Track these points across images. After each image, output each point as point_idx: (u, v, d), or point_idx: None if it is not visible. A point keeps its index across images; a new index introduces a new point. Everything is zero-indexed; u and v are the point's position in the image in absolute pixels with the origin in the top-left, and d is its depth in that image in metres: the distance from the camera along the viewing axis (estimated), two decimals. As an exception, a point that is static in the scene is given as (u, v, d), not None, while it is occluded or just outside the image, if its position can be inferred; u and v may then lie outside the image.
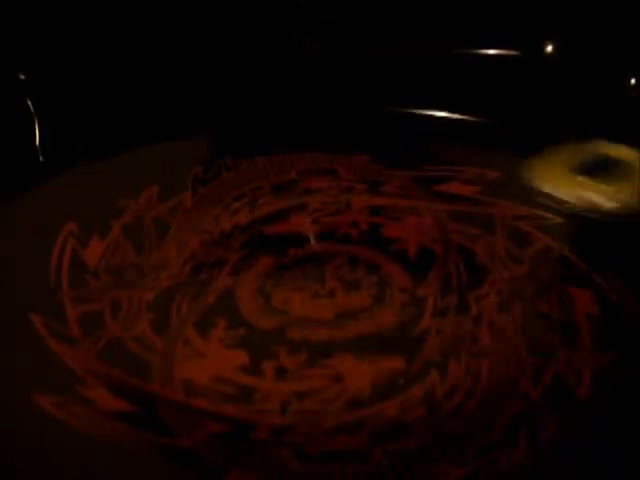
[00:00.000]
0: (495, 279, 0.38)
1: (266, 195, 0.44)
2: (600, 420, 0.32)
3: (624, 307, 0.37)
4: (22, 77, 0.50)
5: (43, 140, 0.48)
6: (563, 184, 0.37)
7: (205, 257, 0.41)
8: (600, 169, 0.38)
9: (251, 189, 0.45)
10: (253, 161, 0.46)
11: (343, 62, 0.53)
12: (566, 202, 0.38)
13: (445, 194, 0.43)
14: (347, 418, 0.33)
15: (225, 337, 0.36)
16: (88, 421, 0.33)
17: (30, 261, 0.40)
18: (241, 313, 0.38)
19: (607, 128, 0.47)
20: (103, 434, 0.32)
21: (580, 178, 0.38)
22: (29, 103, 0.49)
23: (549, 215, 0.42)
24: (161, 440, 0.32)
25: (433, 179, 0.44)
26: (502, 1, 0.50)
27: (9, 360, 0.36)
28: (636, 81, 0.48)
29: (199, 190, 0.44)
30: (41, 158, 0.48)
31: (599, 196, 0.37)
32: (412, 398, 0.33)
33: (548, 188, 0.38)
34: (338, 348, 0.36)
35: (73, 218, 0.42)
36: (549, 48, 0.50)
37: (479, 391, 0.33)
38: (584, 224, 0.40)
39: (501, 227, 0.41)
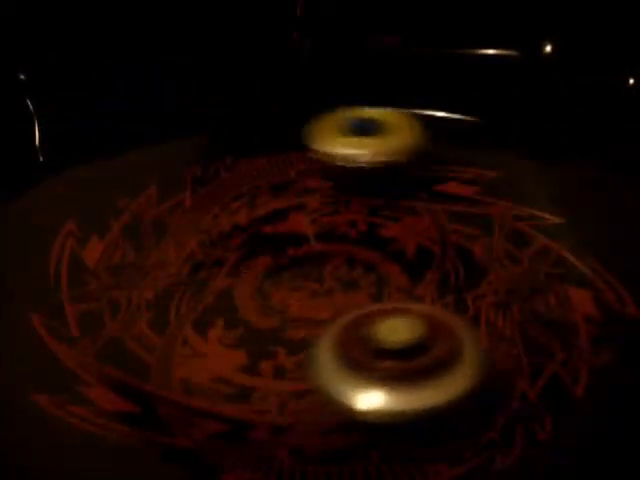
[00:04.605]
0: (493, 279, 0.38)
1: (265, 195, 0.44)
2: (597, 420, 0.32)
3: (622, 308, 0.37)
4: (22, 77, 0.50)
5: (43, 140, 0.48)
6: (332, 143, 0.43)
7: (204, 257, 0.41)
8: (364, 129, 0.44)
9: (250, 189, 0.45)
10: (252, 161, 0.46)
11: (343, 62, 0.53)
12: (334, 156, 0.43)
13: (444, 194, 0.44)
14: (345, 418, 0.33)
15: (224, 337, 0.36)
16: (88, 421, 0.33)
17: (30, 261, 0.40)
18: (240, 313, 0.38)
19: (607, 128, 0.47)
20: (102, 434, 0.32)
21: (347, 137, 0.44)
22: (29, 103, 0.49)
23: (548, 215, 0.42)
24: (160, 439, 0.32)
25: (432, 179, 0.44)
26: (501, 1, 0.50)
27: (9, 360, 0.36)
28: (635, 81, 0.48)
29: (198, 190, 0.45)
30: (41, 158, 0.48)
31: (362, 150, 0.43)
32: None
33: (320, 147, 0.44)
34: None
35: (72, 218, 0.42)
36: (548, 48, 0.50)
37: (477, 391, 0.33)
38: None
39: (500, 227, 0.41)
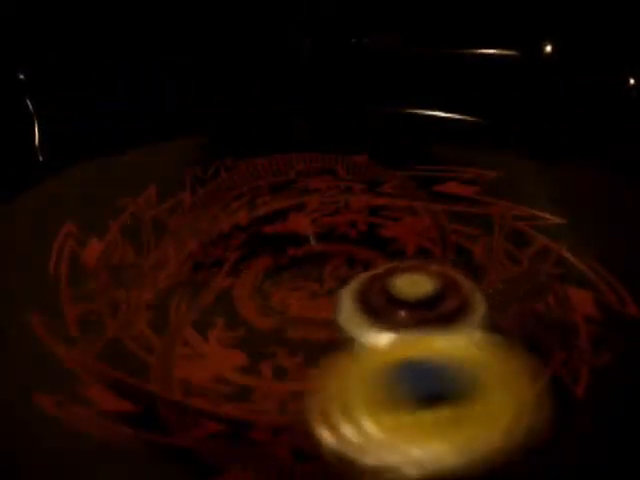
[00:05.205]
0: (493, 279, 0.38)
1: (265, 195, 0.44)
2: (597, 420, 0.32)
3: (622, 308, 0.37)
4: (22, 77, 0.50)
5: (42, 140, 0.48)
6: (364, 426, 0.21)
7: (204, 257, 0.41)
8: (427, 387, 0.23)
9: (250, 189, 0.45)
10: (252, 161, 0.46)
11: (342, 62, 0.53)
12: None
13: (444, 194, 0.44)
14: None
15: (224, 337, 0.36)
16: (88, 421, 0.33)
17: (29, 261, 0.40)
18: (240, 313, 0.38)
19: (607, 128, 0.47)
20: (103, 434, 0.32)
21: (397, 408, 0.23)
22: (29, 103, 0.49)
23: (548, 215, 0.42)
24: (160, 440, 0.32)
25: (432, 179, 0.44)
26: (501, 1, 0.50)
27: (9, 360, 0.36)
28: (636, 81, 0.48)
29: (198, 190, 0.45)
30: (40, 158, 0.48)
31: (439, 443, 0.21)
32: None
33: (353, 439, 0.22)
34: (336, 348, 0.36)
35: (72, 218, 0.42)
36: (548, 48, 0.50)
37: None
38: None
39: (500, 227, 0.41)
